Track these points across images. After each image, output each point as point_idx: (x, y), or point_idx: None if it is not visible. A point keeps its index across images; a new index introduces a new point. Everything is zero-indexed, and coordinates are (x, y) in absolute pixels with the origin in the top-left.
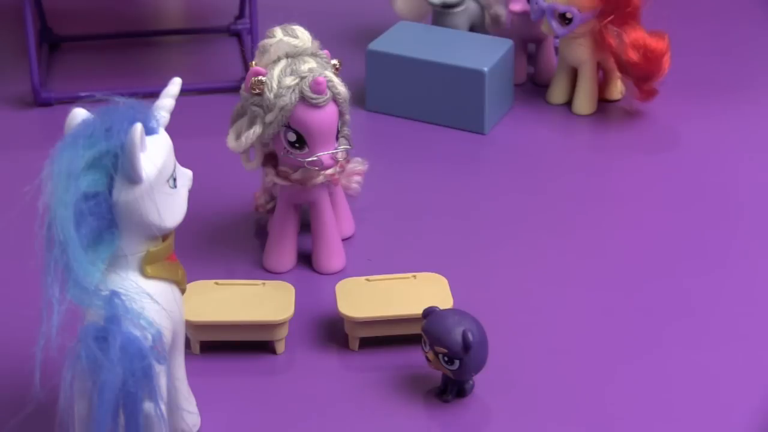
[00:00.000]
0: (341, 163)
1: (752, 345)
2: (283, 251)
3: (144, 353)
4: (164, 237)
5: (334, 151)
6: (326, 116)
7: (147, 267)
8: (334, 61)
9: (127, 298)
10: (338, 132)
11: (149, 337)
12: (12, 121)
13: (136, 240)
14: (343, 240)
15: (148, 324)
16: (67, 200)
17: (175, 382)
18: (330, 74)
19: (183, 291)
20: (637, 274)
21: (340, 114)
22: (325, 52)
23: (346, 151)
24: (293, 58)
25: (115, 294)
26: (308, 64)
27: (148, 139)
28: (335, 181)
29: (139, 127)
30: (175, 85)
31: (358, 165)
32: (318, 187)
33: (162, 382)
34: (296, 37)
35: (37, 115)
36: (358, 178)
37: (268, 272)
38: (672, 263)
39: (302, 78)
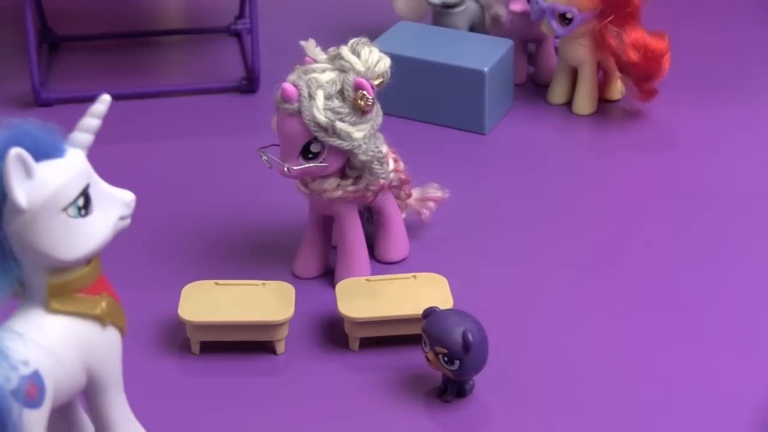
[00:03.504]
0: (360, 193)
1: (752, 345)
2: (309, 258)
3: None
4: (78, 266)
5: (283, 163)
6: (283, 125)
7: (52, 300)
8: (363, 92)
9: None
10: (306, 150)
11: (13, 378)
12: None
13: (35, 270)
14: (391, 263)
15: (14, 365)
16: None
17: (110, 423)
18: (320, 94)
19: (119, 328)
20: (638, 273)
21: (312, 135)
22: (357, 82)
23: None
24: (338, 70)
25: None
26: (325, 76)
27: (45, 163)
28: (373, 202)
29: (13, 152)
30: (101, 103)
31: (435, 191)
32: (339, 201)
33: (30, 426)
34: (358, 56)
35: (37, 115)
36: (432, 204)
37: (295, 277)
38: (672, 263)
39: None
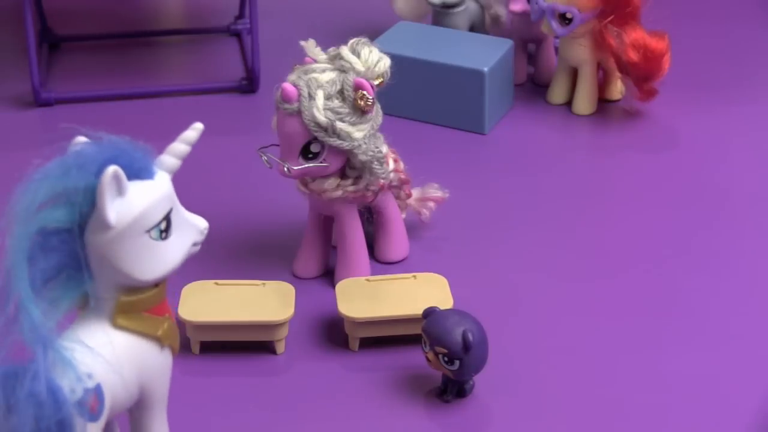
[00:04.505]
0: (360, 193)
1: (753, 345)
2: (309, 258)
3: (59, 405)
4: (148, 287)
5: (283, 163)
6: (283, 125)
7: (118, 317)
8: (363, 92)
9: (62, 347)
10: (306, 150)
11: (78, 390)
12: (12, 121)
13: (109, 286)
14: (391, 263)
15: (80, 377)
16: (23, 232)
17: None
18: (320, 94)
19: (172, 349)
20: (638, 273)
21: (312, 135)
22: (356, 81)
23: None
24: (338, 70)
25: (50, 340)
26: (325, 76)
27: (135, 183)
28: (371, 201)
29: (110, 169)
30: (193, 131)
31: (435, 191)
32: (339, 201)
33: None
34: (358, 56)
35: (37, 115)
36: (432, 204)
37: (295, 277)
38: (672, 263)
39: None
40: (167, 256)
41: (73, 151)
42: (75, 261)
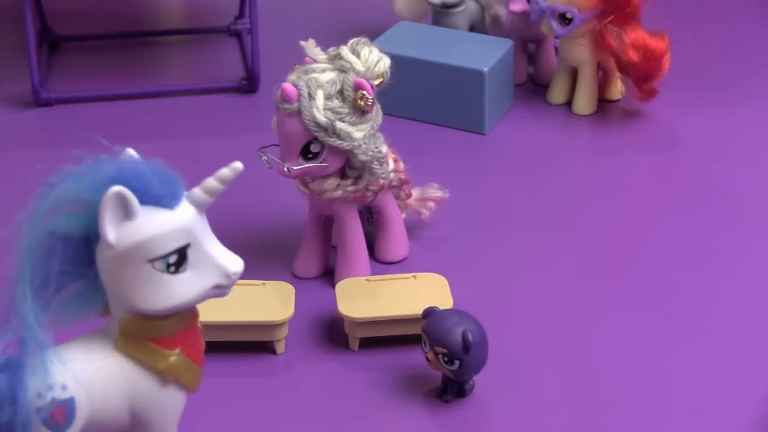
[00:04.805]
0: (360, 193)
1: (753, 344)
2: (309, 258)
3: (16, 405)
4: (158, 317)
5: (283, 163)
6: (283, 125)
7: (120, 338)
8: (363, 92)
9: (49, 353)
10: (306, 150)
11: (45, 396)
12: (12, 121)
13: (116, 303)
14: (391, 263)
15: (52, 385)
16: (33, 233)
17: None
18: (320, 94)
19: (186, 386)
20: (638, 273)
21: (312, 135)
22: (356, 82)
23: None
24: (338, 70)
25: (38, 339)
26: (325, 75)
27: (150, 209)
28: (371, 201)
29: (114, 190)
30: (230, 170)
31: (435, 191)
32: (339, 201)
33: None
34: (358, 56)
35: (37, 115)
36: (431, 204)
37: (295, 277)
38: (672, 263)
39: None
40: (175, 291)
41: (94, 162)
42: (80, 270)
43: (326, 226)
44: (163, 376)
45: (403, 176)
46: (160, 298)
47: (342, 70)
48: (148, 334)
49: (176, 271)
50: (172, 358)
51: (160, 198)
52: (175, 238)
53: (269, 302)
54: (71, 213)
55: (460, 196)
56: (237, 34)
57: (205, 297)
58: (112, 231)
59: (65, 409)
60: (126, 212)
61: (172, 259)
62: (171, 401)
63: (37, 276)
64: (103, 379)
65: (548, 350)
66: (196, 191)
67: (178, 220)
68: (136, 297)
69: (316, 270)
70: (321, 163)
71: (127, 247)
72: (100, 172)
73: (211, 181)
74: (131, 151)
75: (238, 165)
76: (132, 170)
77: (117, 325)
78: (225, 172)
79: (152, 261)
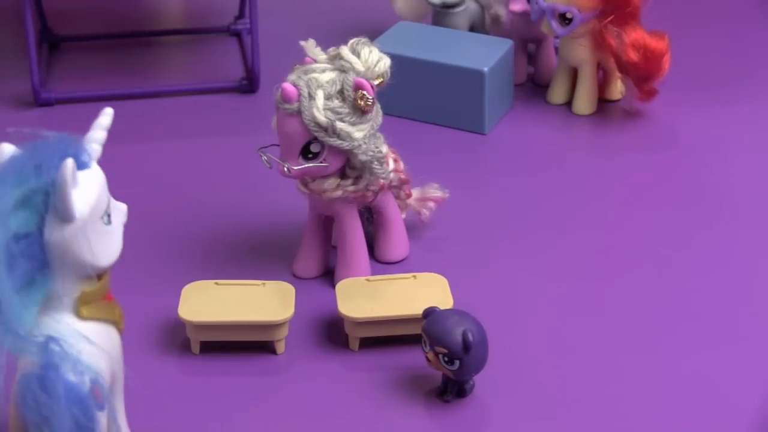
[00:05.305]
0: (360, 193)
1: (753, 344)
2: (309, 258)
3: (84, 400)
4: (99, 276)
5: (283, 163)
6: (283, 125)
7: (82, 308)
8: (363, 92)
9: (64, 343)
10: (306, 150)
11: (87, 382)
12: (12, 121)
13: (70, 280)
14: (391, 263)
15: (86, 369)
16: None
17: (116, 422)
18: (320, 94)
19: (120, 331)
20: (638, 274)
21: (312, 135)
22: (357, 82)
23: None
24: (338, 70)
25: (51, 339)
26: (325, 75)
27: (80, 174)
28: (371, 200)
29: (70, 162)
30: (106, 116)
31: (435, 191)
32: (339, 201)
33: (102, 428)
34: (358, 56)
35: (37, 115)
36: (432, 204)
37: (295, 277)
38: (672, 263)
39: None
40: (116, 238)
41: (25, 151)
42: (39, 263)
43: (326, 226)
44: (118, 326)
45: (403, 176)
46: (113, 249)
47: (342, 70)
48: (102, 294)
49: (109, 221)
50: (118, 310)
51: (83, 161)
52: (106, 190)
53: (269, 302)
54: (22, 209)
55: (460, 196)
56: (237, 34)
57: None
58: (74, 203)
59: (98, 386)
60: (74, 182)
61: (109, 209)
62: (120, 347)
63: (19, 281)
64: (93, 349)
65: (548, 350)
66: (94, 146)
67: (100, 173)
68: (98, 257)
69: (316, 270)
70: (321, 163)
71: (86, 213)
72: (40, 159)
73: (99, 133)
74: (8, 146)
75: (109, 109)
76: (64, 143)
77: (71, 300)
78: (104, 119)
79: (102, 217)
